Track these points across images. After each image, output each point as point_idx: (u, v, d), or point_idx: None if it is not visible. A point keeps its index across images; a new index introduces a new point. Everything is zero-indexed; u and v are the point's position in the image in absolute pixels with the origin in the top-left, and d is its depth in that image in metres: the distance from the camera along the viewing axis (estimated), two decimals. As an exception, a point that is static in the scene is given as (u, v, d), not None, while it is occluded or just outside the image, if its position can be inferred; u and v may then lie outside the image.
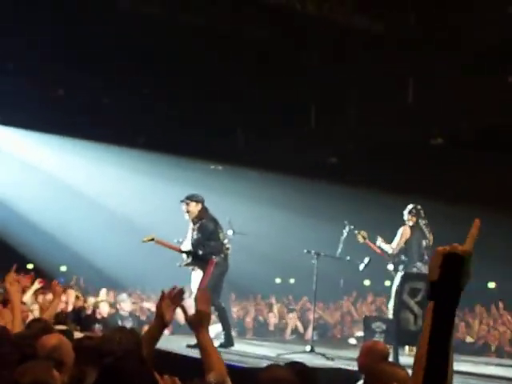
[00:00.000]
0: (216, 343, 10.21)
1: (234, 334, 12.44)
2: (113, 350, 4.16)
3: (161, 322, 4.01)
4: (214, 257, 10.44)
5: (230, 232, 12.15)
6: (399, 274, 10.72)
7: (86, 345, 5.04)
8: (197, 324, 3.56)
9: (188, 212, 10.62)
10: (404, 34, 15.40)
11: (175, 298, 3.92)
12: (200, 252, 10.50)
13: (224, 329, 10.64)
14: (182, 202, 10.69)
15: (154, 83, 16.58)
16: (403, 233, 10.94)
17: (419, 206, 11.08)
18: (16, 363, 4.58)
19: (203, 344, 3.54)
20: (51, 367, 4.22)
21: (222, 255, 10.60)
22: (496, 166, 15.33)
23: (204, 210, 10.66)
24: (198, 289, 9.99)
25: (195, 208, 10.57)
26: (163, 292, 3.97)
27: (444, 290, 2.02)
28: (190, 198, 10.65)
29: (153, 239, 10.82)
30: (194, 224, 10.62)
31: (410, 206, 11.07)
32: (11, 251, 18.30)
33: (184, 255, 10.70)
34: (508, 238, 15.31)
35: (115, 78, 16.18)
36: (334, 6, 15.28)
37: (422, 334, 2.02)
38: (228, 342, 10.46)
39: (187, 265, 10.69)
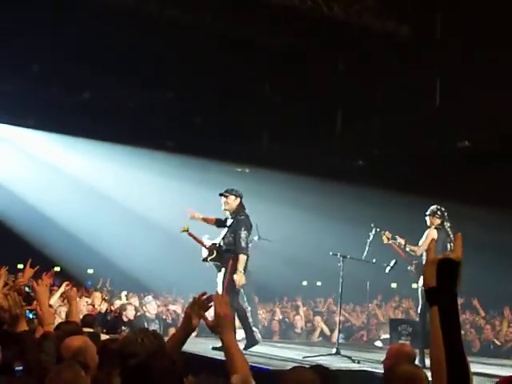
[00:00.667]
0: (241, 346, 10.32)
1: (260, 336, 12.50)
2: (135, 352, 4.17)
3: (188, 325, 4.04)
4: (232, 255, 10.46)
5: (255, 237, 12.24)
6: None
7: (110, 347, 5.09)
8: (218, 327, 3.59)
9: (226, 205, 10.68)
10: (430, 37, 15.41)
11: (204, 303, 3.97)
12: (224, 247, 10.53)
13: (244, 329, 10.64)
14: (221, 195, 10.77)
15: (180, 87, 16.68)
16: (429, 234, 10.82)
17: (443, 208, 10.97)
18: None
19: (227, 346, 3.57)
20: (80, 371, 4.27)
21: (245, 252, 10.58)
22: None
23: (242, 205, 10.71)
24: (216, 294, 10.06)
25: (234, 202, 10.63)
26: (194, 298, 4.03)
27: (444, 295, 2.20)
28: (230, 192, 10.72)
29: (187, 230, 10.89)
30: (230, 217, 10.68)
31: (435, 208, 10.92)
32: (39, 254, 18.45)
33: (205, 252, 10.74)
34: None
35: (142, 81, 16.30)
36: (361, 10, 15.31)
37: (432, 338, 2.20)
38: (250, 342, 10.48)
39: (212, 260, 10.70)
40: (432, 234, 10.75)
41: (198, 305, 3.97)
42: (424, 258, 10.90)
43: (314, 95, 16.68)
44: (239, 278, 10.32)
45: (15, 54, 14.83)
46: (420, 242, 10.84)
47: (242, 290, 11.81)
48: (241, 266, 10.37)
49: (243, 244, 10.43)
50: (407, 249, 10.89)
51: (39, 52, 15.11)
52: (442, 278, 2.20)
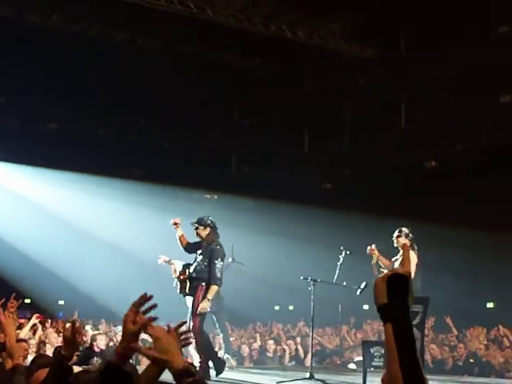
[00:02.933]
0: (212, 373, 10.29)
1: (232, 362, 12.44)
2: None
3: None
4: (203, 284, 10.45)
5: (229, 259, 12.25)
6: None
7: (82, 379, 5.01)
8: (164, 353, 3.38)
9: (198, 235, 10.74)
10: (395, 59, 15.57)
11: (182, 337, 3.33)
12: (195, 275, 10.53)
13: (211, 357, 10.56)
14: (192, 224, 10.81)
15: (147, 113, 16.68)
16: (413, 259, 10.60)
17: (407, 230, 10.95)
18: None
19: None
20: None
21: (219, 283, 10.60)
22: (490, 189, 15.36)
23: (212, 234, 10.71)
24: (192, 314, 10.09)
25: (203, 232, 10.67)
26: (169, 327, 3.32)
27: (397, 310, 2.18)
28: (199, 222, 10.75)
29: (169, 261, 11.00)
30: (202, 247, 10.69)
31: (407, 230, 10.88)
32: (8, 286, 18.26)
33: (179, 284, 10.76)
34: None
35: (108, 109, 16.28)
36: (325, 33, 15.44)
37: (388, 356, 2.15)
38: (220, 368, 10.49)
39: (187, 294, 10.67)
40: (414, 258, 10.61)
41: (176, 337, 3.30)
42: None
43: (282, 118, 16.76)
44: (205, 305, 10.32)
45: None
46: (408, 267, 10.71)
47: (213, 317, 11.79)
48: (210, 295, 10.38)
49: (218, 275, 10.45)
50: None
51: (4, 83, 15.03)
52: (392, 294, 2.18)
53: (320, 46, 15.47)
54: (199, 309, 10.29)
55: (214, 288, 10.42)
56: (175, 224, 11.01)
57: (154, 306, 3.27)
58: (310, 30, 15.34)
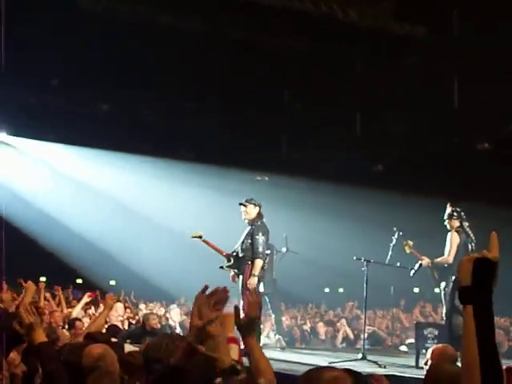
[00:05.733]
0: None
1: (284, 343, 12.49)
2: (159, 357, 4.12)
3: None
4: (249, 262, 10.58)
5: (283, 249, 12.43)
6: (450, 279, 10.55)
7: (134, 357, 5.08)
8: (246, 329, 3.51)
9: (246, 214, 10.90)
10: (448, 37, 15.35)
11: (221, 296, 3.28)
12: (242, 254, 10.67)
13: None
14: (240, 204, 11.02)
15: (197, 96, 16.69)
16: (453, 240, 10.72)
17: (459, 208, 10.91)
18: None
19: (252, 349, 3.51)
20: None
21: (265, 264, 10.71)
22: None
23: (260, 214, 10.87)
24: (248, 293, 10.11)
25: (253, 211, 10.87)
26: (203, 293, 3.28)
27: (480, 294, 2.16)
28: (249, 201, 10.99)
29: (200, 237, 11.14)
30: (249, 226, 10.84)
31: (450, 210, 10.86)
32: (61, 265, 18.54)
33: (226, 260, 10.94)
34: None
35: (161, 91, 16.34)
36: (376, 13, 15.27)
37: (465, 338, 2.15)
38: None
39: (229, 267, 10.87)
40: (455, 238, 10.67)
41: (214, 299, 3.26)
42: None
43: (333, 99, 16.66)
44: (252, 281, 10.42)
45: (34, 67, 14.88)
46: (446, 250, 10.76)
47: (266, 297, 11.88)
48: (256, 271, 10.51)
49: (260, 249, 10.61)
50: (437, 265, 10.77)
51: (55, 65, 15.15)
52: (478, 277, 2.15)
53: (371, 27, 15.30)
54: (248, 285, 10.39)
55: (258, 262, 10.56)
56: (200, 237, 11.21)
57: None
58: (362, 9, 15.17)
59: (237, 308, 3.50)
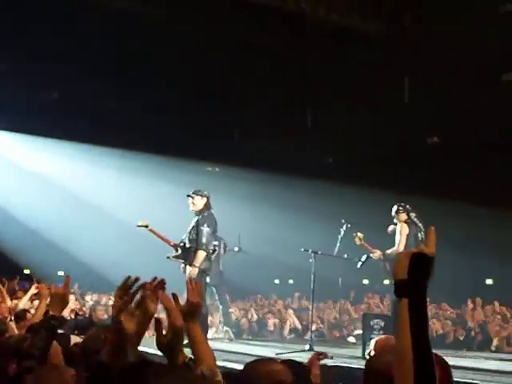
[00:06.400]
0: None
1: (232, 335, 12.50)
2: (98, 349, 4.09)
3: (145, 315, 3.35)
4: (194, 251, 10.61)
5: (235, 248, 12.48)
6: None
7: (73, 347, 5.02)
8: (188, 315, 3.48)
9: (193, 205, 10.96)
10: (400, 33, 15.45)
11: (157, 288, 3.37)
12: (189, 245, 10.68)
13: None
14: (188, 196, 11.09)
15: (147, 85, 16.55)
16: (402, 231, 10.93)
17: (403, 203, 11.14)
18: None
19: (193, 336, 3.49)
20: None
21: (207, 254, 10.71)
22: (490, 165, 15.35)
23: (207, 205, 10.88)
24: (189, 280, 10.07)
25: (200, 202, 10.91)
26: (144, 283, 3.36)
27: (416, 288, 2.19)
28: (196, 193, 11.06)
29: (147, 226, 11.11)
30: (196, 217, 10.79)
31: (396, 207, 11.13)
32: (7, 257, 18.29)
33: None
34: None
35: (114, 80, 16.18)
36: (330, 7, 15.30)
37: (399, 330, 2.18)
38: None
39: (176, 257, 10.87)
40: (404, 229, 10.88)
41: (151, 290, 3.35)
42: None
43: (286, 92, 16.67)
44: (192, 271, 10.45)
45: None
46: (396, 240, 10.92)
47: (213, 289, 11.90)
48: (197, 262, 10.58)
49: (204, 240, 10.68)
50: (389, 256, 10.93)
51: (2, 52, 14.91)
52: (414, 272, 2.19)
53: (324, 19, 15.32)
54: (187, 275, 10.41)
55: (200, 253, 10.61)
56: (146, 226, 11.19)
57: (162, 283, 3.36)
58: (314, 2, 15.19)
59: (175, 295, 3.44)
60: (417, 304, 2.17)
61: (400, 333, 2.16)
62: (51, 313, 4.50)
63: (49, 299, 5.10)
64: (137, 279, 3.29)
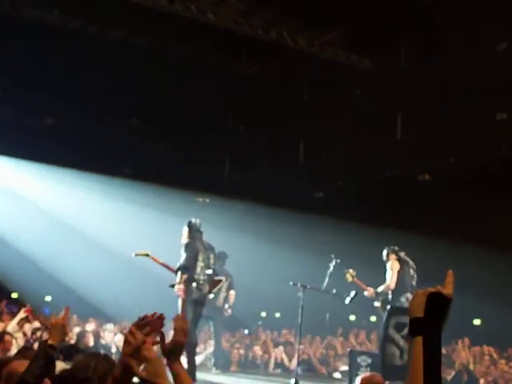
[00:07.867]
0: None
1: (219, 367, 12.47)
2: (87, 377, 4.08)
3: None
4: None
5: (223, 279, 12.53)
6: (386, 308, 10.69)
7: (61, 375, 4.98)
8: (170, 353, 3.46)
9: (182, 235, 10.86)
10: (393, 71, 15.59)
11: (156, 325, 3.26)
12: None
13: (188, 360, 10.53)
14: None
15: (142, 114, 16.64)
16: (393, 267, 10.93)
17: (392, 246, 11.20)
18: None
19: (177, 373, 3.46)
20: None
21: (194, 283, 10.61)
22: (480, 204, 15.40)
23: (190, 233, 10.76)
24: (176, 317, 9.96)
25: (184, 231, 10.78)
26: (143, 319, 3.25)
27: (431, 327, 2.18)
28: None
29: (147, 255, 11.02)
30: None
31: (385, 250, 11.19)
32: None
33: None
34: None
35: (103, 107, 16.24)
36: (325, 43, 15.44)
37: (411, 368, 2.14)
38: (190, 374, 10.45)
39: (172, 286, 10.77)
40: (395, 265, 10.89)
41: (146, 327, 3.20)
42: (390, 294, 10.97)
43: (278, 125, 16.76)
44: (177, 287, 10.36)
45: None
46: (387, 277, 10.93)
47: (211, 322, 11.97)
48: (178, 279, 10.39)
49: (183, 262, 10.51)
50: (381, 292, 10.96)
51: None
52: (431, 311, 2.18)
53: (319, 56, 15.46)
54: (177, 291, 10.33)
55: (178, 273, 10.46)
56: (146, 255, 11.17)
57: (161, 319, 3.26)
58: (311, 38, 15.32)
59: (162, 334, 3.40)
60: (431, 342, 2.15)
61: (412, 372, 2.14)
62: (50, 342, 4.50)
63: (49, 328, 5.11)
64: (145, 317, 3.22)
